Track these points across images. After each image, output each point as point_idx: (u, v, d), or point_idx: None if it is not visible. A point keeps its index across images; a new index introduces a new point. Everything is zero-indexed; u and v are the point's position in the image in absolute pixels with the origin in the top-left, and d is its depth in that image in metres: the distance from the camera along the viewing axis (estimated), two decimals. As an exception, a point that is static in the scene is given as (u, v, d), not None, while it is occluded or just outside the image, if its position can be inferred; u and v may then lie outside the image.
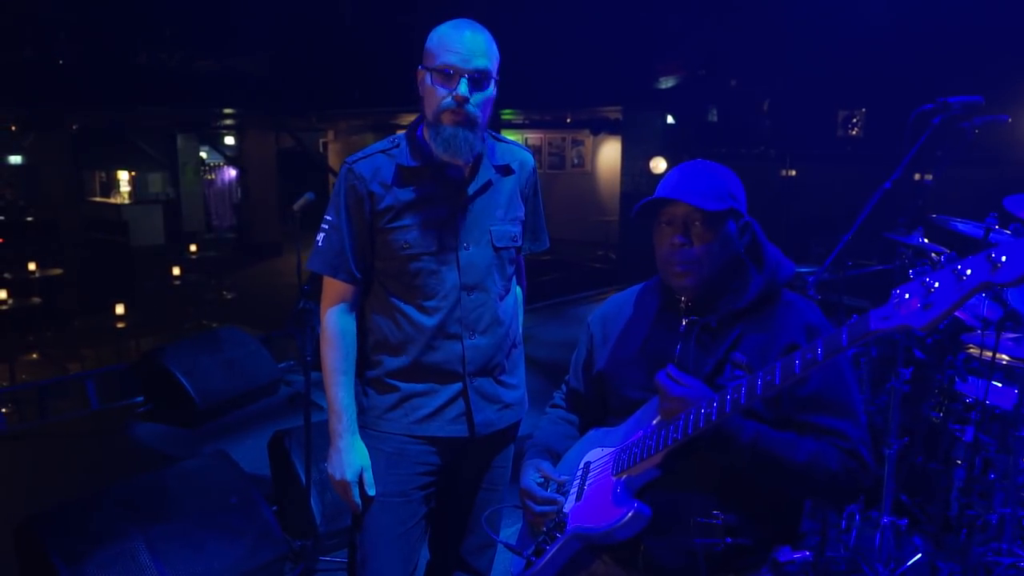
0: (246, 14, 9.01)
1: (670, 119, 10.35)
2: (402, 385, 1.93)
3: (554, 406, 1.99)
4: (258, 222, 15.43)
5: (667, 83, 9.46)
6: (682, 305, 1.66)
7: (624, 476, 1.59)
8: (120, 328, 8.31)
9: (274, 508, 3.25)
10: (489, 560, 2.17)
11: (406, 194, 1.87)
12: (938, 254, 3.29)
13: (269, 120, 14.35)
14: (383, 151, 1.91)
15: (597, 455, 1.73)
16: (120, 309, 8.11)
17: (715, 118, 9.84)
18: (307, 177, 14.81)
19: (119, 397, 5.36)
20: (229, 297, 11.59)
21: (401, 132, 1.97)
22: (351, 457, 1.90)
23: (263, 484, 3.47)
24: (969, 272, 1.12)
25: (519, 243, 2.03)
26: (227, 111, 12.99)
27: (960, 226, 3.08)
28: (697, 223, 1.59)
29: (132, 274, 11.91)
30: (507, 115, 13.58)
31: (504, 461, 2.12)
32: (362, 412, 1.96)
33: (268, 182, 15.50)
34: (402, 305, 1.91)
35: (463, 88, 1.77)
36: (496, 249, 1.95)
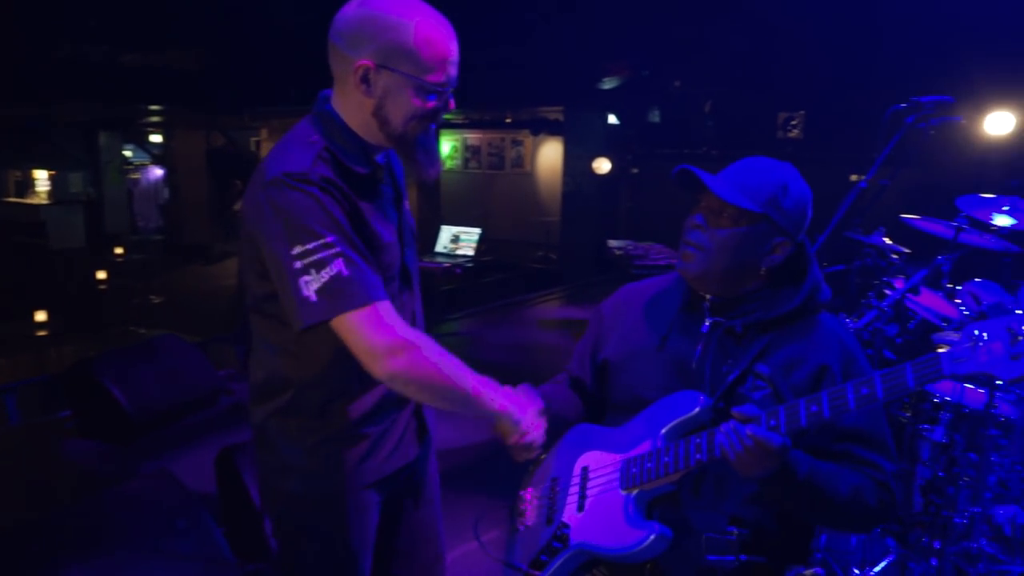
0: (175, 6, 8.61)
1: (612, 119, 10.37)
2: (372, 430, 1.67)
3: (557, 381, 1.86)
4: (188, 223, 14.89)
5: (610, 84, 9.46)
6: (707, 305, 1.57)
7: (635, 492, 1.48)
8: (41, 336, 7.84)
9: (222, 529, 3.04)
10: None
11: (367, 207, 1.56)
12: (898, 254, 3.31)
13: (199, 118, 13.84)
14: (316, 155, 1.50)
15: (598, 460, 1.61)
16: (41, 316, 7.64)
17: (657, 119, 9.90)
18: (239, 177, 14.34)
19: (43, 412, 5.01)
20: (157, 302, 11.11)
21: (302, 127, 1.58)
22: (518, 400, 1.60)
23: (208, 503, 3.25)
24: None
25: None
26: (153, 108, 12.46)
27: (927, 226, 3.09)
28: (723, 214, 1.49)
29: (52, 278, 11.30)
30: (446, 115, 13.44)
31: (432, 467, 1.95)
32: (326, 477, 1.65)
33: (197, 182, 14.96)
34: None
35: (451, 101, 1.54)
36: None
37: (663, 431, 1.48)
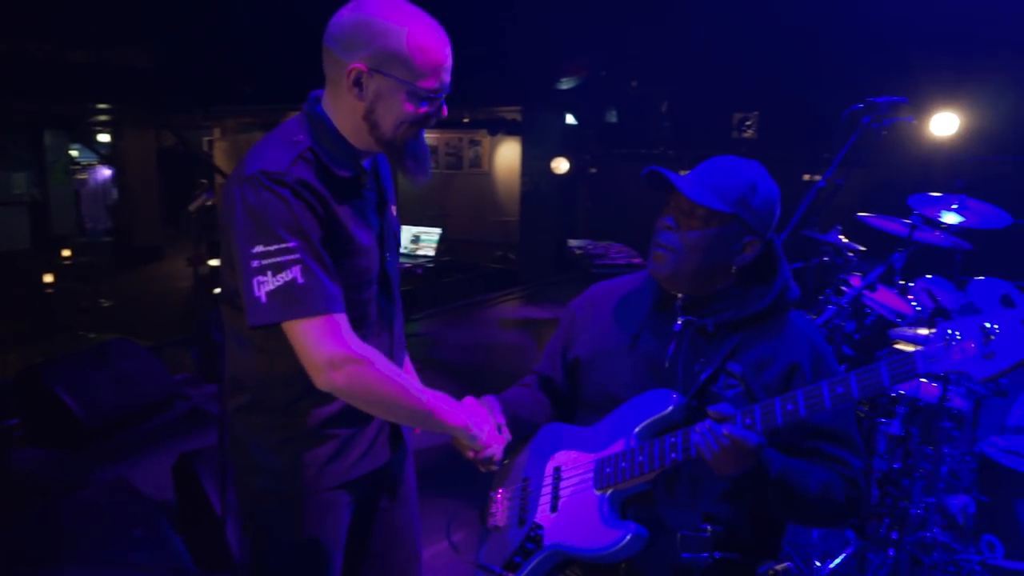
0: (124, 1, 8.40)
1: (570, 119, 10.41)
2: (340, 432, 1.65)
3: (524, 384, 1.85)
4: (138, 225, 14.56)
5: (567, 84, 9.50)
6: (678, 304, 1.58)
7: (609, 492, 1.48)
8: (-15, 343, 7.58)
9: (181, 538, 2.97)
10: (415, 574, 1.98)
11: (346, 211, 1.55)
12: (853, 251, 3.39)
13: (149, 117, 13.54)
14: (298, 156, 1.50)
15: (570, 460, 1.61)
16: (-15, 321, 7.38)
17: (614, 119, 9.97)
18: (191, 177, 14.06)
19: (-10, 420, 4.84)
20: (106, 305, 10.83)
21: (289, 125, 1.57)
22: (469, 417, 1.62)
23: (166, 511, 3.18)
24: None
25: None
26: (102, 106, 12.15)
27: (882, 224, 3.16)
28: (694, 215, 1.51)
29: (-4, 282, 10.94)
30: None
31: (409, 467, 1.94)
32: (292, 476, 1.62)
33: (148, 183, 14.64)
34: None
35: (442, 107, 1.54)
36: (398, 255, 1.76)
37: (636, 430, 1.48)
